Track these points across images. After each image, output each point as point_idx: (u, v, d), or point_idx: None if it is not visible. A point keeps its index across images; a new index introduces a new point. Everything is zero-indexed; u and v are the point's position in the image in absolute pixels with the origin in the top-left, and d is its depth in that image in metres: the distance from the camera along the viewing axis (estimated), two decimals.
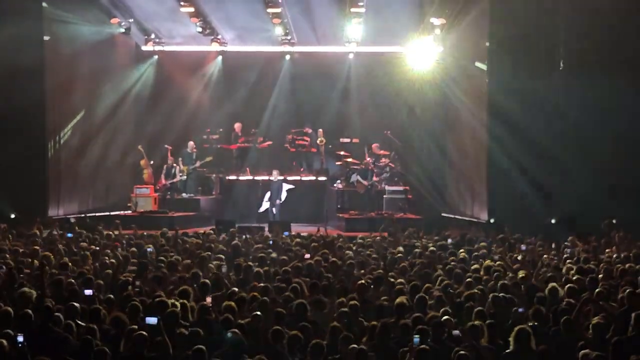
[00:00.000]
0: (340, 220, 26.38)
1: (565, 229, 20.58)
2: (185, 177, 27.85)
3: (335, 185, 28.28)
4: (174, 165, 27.64)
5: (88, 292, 12.02)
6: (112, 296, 12.04)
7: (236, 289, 12.40)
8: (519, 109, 22.83)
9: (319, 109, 29.60)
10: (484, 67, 24.21)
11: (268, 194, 27.98)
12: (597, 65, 22.07)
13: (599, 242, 18.37)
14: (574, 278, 13.45)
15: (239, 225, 22.25)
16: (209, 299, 11.59)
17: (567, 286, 12.49)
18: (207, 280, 12.93)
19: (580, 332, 10.32)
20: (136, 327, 10.09)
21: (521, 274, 13.92)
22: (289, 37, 28.51)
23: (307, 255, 15.96)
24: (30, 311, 10.47)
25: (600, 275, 13.89)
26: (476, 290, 12.42)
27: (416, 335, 9.57)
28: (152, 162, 27.69)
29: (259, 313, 10.68)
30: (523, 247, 17.66)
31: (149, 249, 16.78)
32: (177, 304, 11.03)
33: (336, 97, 29.64)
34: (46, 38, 23.63)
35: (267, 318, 10.73)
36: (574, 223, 21.35)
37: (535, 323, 10.51)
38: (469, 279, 13.49)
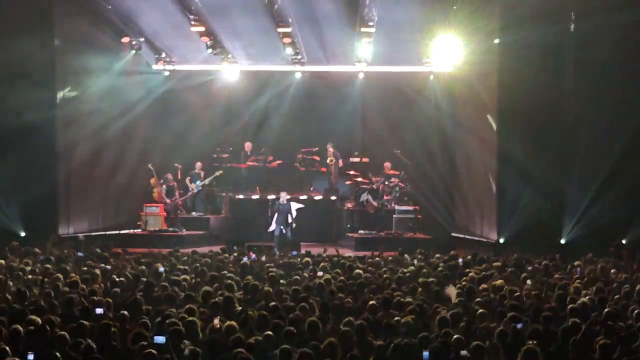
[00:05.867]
0: (350, 239, 26.35)
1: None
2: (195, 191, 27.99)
3: (345, 204, 28.29)
4: (173, 183, 27.66)
5: (99, 310, 12.05)
6: (125, 313, 11.99)
7: (246, 309, 12.40)
8: (529, 127, 22.88)
9: (329, 128, 29.56)
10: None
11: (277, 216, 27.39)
12: (608, 77, 22.05)
13: (608, 262, 18.31)
14: (583, 299, 13.41)
15: (248, 244, 22.23)
16: (216, 321, 11.54)
17: (575, 306, 12.46)
18: (217, 300, 12.94)
19: (588, 352, 10.29)
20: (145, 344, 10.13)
21: (529, 293, 13.93)
22: (299, 57, 28.51)
23: (320, 274, 15.92)
24: (38, 329, 10.52)
25: (615, 296, 13.88)
26: (485, 310, 12.42)
27: (425, 351, 9.60)
28: (162, 181, 27.70)
29: (270, 333, 10.67)
30: (529, 267, 17.66)
31: (160, 269, 16.79)
32: (184, 322, 11.05)
33: (346, 116, 29.62)
34: (57, 46, 23.82)
35: (277, 337, 10.73)
36: None
37: (534, 341, 10.44)
38: (478, 299, 13.49)
